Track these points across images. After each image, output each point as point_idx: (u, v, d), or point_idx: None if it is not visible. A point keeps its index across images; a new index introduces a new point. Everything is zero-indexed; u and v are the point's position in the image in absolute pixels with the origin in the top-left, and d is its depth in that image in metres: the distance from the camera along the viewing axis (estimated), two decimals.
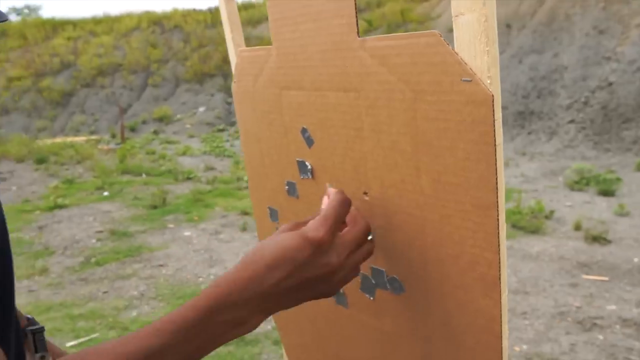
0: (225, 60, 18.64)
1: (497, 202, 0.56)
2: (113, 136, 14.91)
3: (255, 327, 0.60)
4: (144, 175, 9.16)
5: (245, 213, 6.28)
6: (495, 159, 0.54)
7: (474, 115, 0.54)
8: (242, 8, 24.28)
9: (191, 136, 14.11)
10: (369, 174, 0.70)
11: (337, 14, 0.67)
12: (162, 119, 15.96)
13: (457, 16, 0.54)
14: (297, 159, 0.82)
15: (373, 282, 0.74)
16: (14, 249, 4.37)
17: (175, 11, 24.93)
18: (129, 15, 24.99)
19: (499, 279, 0.58)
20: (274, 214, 0.95)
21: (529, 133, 11.37)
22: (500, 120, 0.54)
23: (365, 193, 0.72)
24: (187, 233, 5.70)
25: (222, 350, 3.26)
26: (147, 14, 24.94)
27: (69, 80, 18.65)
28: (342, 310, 0.82)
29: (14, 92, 18.26)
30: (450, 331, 0.67)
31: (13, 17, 28.53)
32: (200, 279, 4.41)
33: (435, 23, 15.71)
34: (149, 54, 19.80)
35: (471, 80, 0.53)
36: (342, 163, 0.73)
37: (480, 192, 0.57)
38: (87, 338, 3.51)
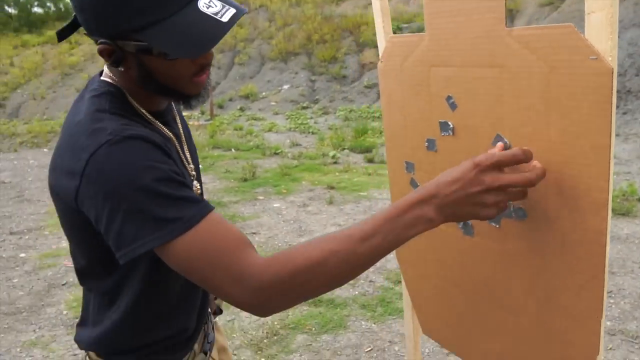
0: (310, 39, 18.86)
1: (610, 143, 0.75)
2: (202, 113, 15.56)
3: (437, 226, 0.83)
4: (233, 150, 9.60)
5: (332, 187, 6.49)
6: (611, 113, 0.74)
7: (598, 82, 0.74)
8: None
9: (276, 113, 14.48)
10: (505, 130, 0.90)
11: (489, 10, 0.87)
12: (248, 97, 16.45)
13: (589, 13, 0.73)
14: (440, 120, 1.00)
15: (511, 211, 0.92)
16: None
17: None
18: None
19: (607, 200, 0.78)
20: (410, 167, 1.14)
21: (624, 113, 10.81)
22: (616, 88, 0.74)
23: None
24: (276, 205, 5.99)
25: (314, 310, 3.50)
26: None
27: None
28: (468, 240, 0.99)
29: None
30: (564, 246, 0.86)
31: None
32: (291, 246, 4.67)
33: None
34: (236, 33, 20.34)
35: (597, 58, 0.73)
36: (482, 122, 0.93)
37: (598, 136, 0.77)
38: None
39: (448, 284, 1.08)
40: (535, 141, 0.85)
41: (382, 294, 3.71)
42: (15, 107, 18.36)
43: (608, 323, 3.19)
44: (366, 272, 3.98)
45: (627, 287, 3.63)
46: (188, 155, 1.10)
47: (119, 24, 0.86)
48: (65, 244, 5.17)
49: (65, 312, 3.70)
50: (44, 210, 6.50)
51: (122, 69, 0.93)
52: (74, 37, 22.72)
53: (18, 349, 3.24)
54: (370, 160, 8.16)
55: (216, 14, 0.88)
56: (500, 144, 0.89)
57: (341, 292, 3.76)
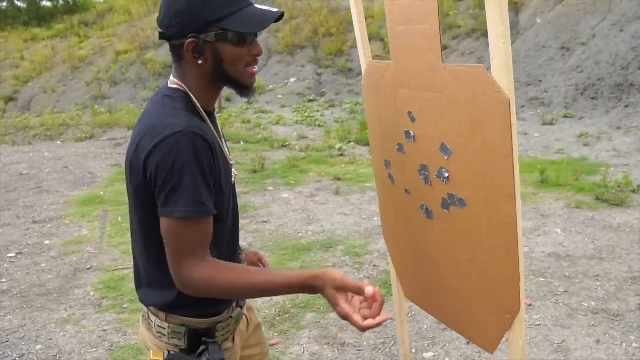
0: (316, 32, 19.07)
1: (512, 153, 1.03)
2: None
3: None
4: (242, 143, 9.88)
5: (338, 179, 6.78)
6: (511, 131, 1.02)
7: (501, 109, 1.02)
8: None
9: (283, 106, 14.74)
10: (447, 139, 1.20)
11: (430, 49, 1.16)
12: (256, 90, 16.71)
13: (492, 59, 1.00)
14: (405, 129, 1.28)
15: (448, 201, 1.20)
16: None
17: None
18: None
19: (514, 194, 1.05)
20: (387, 164, 1.42)
21: (626, 106, 11.01)
22: (514, 112, 1.01)
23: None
24: (285, 195, 6.28)
25: None
26: None
27: (169, 54, 19.77)
28: (430, 222, 1.29)
29: (122, 65, 19.68)
30: (490, 227, 1.15)
31: None
32: (300, 234, 4.97)
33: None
34: None
35: (499, 91, 1.00)
36: (432, 133, 1.23)
37: (505, 148, 1.05)
38: None
39: (419, 256, 1.38)
40: (467, 149, 1.14)
41: (385, 277, 3.99)
42: (26, 101, 18.70)
43: (592, 303, 3.46)
44: (371, 256, 4.27)
45: (614, 272, 3.90)
46: (226, 148, 1.40)
47: (205, 17, 1.22)
48: (85, 232, 5.49)
49: (92, 294, 4.01)
50: (63, 201, 6.81)
51: (200, 62, 1.26)
52: (82, 30, 22.92)
53: (52, 325, 3.55)
54: None
55: (267, 9, 1.28)
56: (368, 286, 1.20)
57: (349, 275, 4.04)
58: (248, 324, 1.59)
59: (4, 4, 25.29)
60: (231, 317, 1.45)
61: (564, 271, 3.95)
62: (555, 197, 5.73)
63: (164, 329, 1.37)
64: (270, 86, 16.85)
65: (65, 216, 6.12)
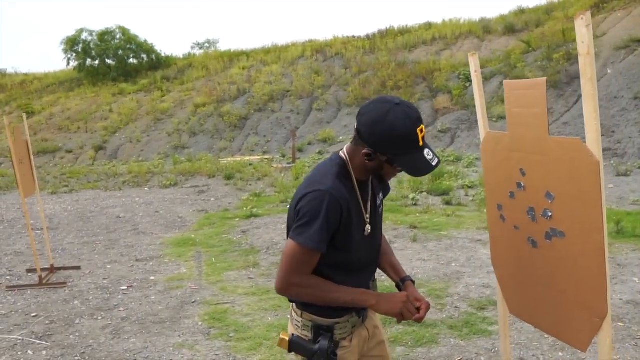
0: (384, 85, 19.71)
1: (601, 205, 1.40)
2: (283, 156, 16.63)
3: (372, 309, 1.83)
4: None
5: (414, 227, 7.11)
6: (600, 186, 1.40)
7: (592, 169, 1.42)
8: (399, 33, 25.34)
9: None
10: (551, 189, 1.58)
11: (539, 125, 1.55)
12: (326, 141, 17.40)
13: (587, 133, 1.41)
14: (516, 181, 1.67)
15: (551, 234, 1.57)
16: (228, 247, 5.86)
17: (336, 39, 26.71)
18: (294, 45, 27.27)
19: (603, 229, 1.44)
20: (499, 207, 1.82)
21: None
22: (603, 172, 1.37)
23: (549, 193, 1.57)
24: None
25: (408, 329, 4.10)
26: (311, 43, 27.00)
27: (245, 106, 20.97)
28: (535, 250, 1.66)
29: (200, 117, 20.97)
30: (584, 254, 1.53)
31: (197, 51, 32.25)
32: (383, 277, 5.28)
33: (600, 41, 15.37)
34: (313, 80, 21.59)
35: (592, 156, 1.38)
36: (539, 184, 1.62)
37: (595, 198, 1.43)
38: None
39: (524, 278, 1.76)
40: (566, 195, 1.54)
41: (467, 318, 4.27)
42: (114, 149, 20.18)
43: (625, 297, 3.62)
44: (451, 298, 4.57)
45: None
46: (365, 207, 1.86)
47: (386, 149, 1.68)
48: (184, 270, 6.05)
49: (200, 324, 4.49)
50: (159, 242, 7.46)
51: (367, 162, 1.73)
52: (164, 85, 24.50)
53: (171, 349, 4.04)
54: (448, 203, 8.72)
55: (430, 159, 1.70)
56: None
57: (430, 315, 4.35)
58: (369, 336, 1.98)
59: (96, 62, 27.55)
60: (348, 321, 1.88)
61: None
62: (632, 247, 5.83)
63: (299, 322, 1.86)
64: (341, 137, 17.49)
65: (163, 255, 6.73)
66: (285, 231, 1.86)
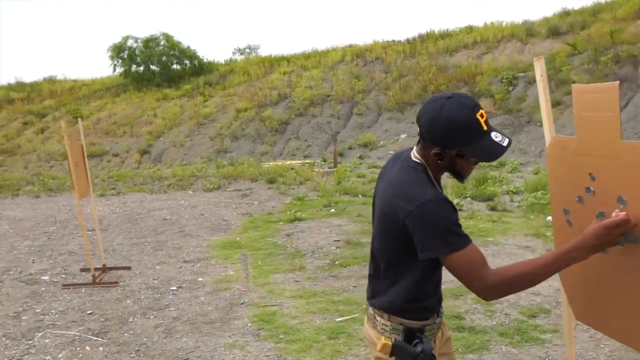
0: (425, 89, 19.58)
1: None
2: (324, 160, 16.69)
3: (582, 260, 1.57)
4: (360, 196, 10.41)
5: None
6: None
7: None
8: (440, 37, 25.12)
9: None
10: (623, 193, 1.56)
11: (611, 129, 1.55)
12: (367, 145, 17.40)
13: None
14: (585, 186, 1.66)
15: (622, 239, 1.54)
16: (274, 250, 5.94)
17: (376, 43, 26.66)
18: (334, 50, 27.34)
19: None
20: (566, 212, 1.80)
21: None
22: None
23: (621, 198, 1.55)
24: None
25: (458, 335, 4.08)
26: (351, 48, 27.02)
27: (286, 110, 21.14)
28: (604, 256, 1.65)
29: (242, 121, 21.25)
30: None
31: (238, 57, 32.71)
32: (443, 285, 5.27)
33: None
34: (354, 84, 21.61)
35: None
36: (609, 188, 1.61)
37: None
38: (350, 316, 4.58)
39: (592, 284, 1.73)
40: (637, 199, 1.50)
41: (518, 325, 4.21)
42: (158, 153, 20.64)
43: None
44: (501, 305, 4.51)
45: None
46: None
47: (452, 143, 1.69)
48: (231, 272, 6.15)
49: (249, 325, 4.56)
50: (205, 244, 7.61)
51: (441, 161, 1.74)
52: (207, 90, 24.93)
53: (222, 349, 4.12)
54: (493, 208, 8.60)
55: (500, 141, 1.69)
56: (619, 212, 1.54)
57: (480, 321, 4.31)
58: (442, 334, 2.00)
59: (141, 68, 28.25)
60: (435, 322, 1.89)
61: None
62: None
63: (387, 325, 1.86)
64: (381, 142, 17.47)
65: (210, 257, 6.86)
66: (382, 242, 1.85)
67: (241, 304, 5.08)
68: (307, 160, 17.01)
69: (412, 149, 1.86)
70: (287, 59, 27.48)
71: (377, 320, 1.89)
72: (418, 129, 1.76)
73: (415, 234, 1.67)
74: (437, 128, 1.68)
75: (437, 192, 1.71)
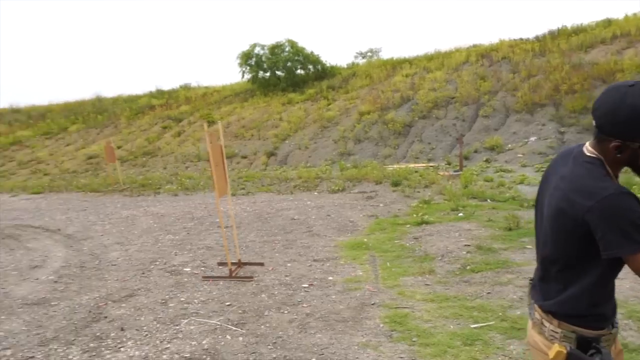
0: (557, 90, 18.48)
1: None
2: (448, 163, 16.30)
3: None
4: (488, 201, 10.04)
5: None
6: None
7: None
8: (573, 32, 23.57)
9: (524, 165, 14.51)
10: None
11: None
12: (493, 148, 16.73)
13: None
14: None
15: None
16: (402, 252, 5.84)
17: (502, 42, 25.61)
18: (458, 50, 26.67)
19: None
20: None
21: None
22: None
23: None
24: None
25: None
26: (475, 48, 26.21)
27: (409, 113, 20.96)
28: None
29: (364, 124, 21.38)
30: None
31: (360, 61, 32.99)
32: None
33: None
34: (479, 86, 20.91)
35: None
36: None
37: None
38: (485, 324, 4.43)
39: None
40: None
41: None
42: (284, 156, 21.36)
43: None
44: None
45: None
46: None
47: (636, 134, 1.58)
48: (360, 272, 6.20)
49: (381, 325, 4.57)
50: (333, 244, 7.74)
51: (620, 155, 1.63)
52: (330, 94, 25.40)
53: (355, 347, 4.17)
54: None
55: None
56: None
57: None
58: (615, 347, 1.87)
59: (267, 74, 29.45)
60: (611, 333, 1.77)
61: None
62: None
63: (557, 333, 1.76)
64: (509, 145, 16.73)
65: (339, 257, 6.97)
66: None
67: (372, 304, 5.11)
68: (431, 164, 16.72)
69: (582, 145, 1.76)
70: (409, 61, 27.27)
71: (545, 327, 1.80)
72: (594, 121, 1.66)
73: (597, 232, 1.57)
74: (621, 118, 1.57)
75: (618, 185, 1.60)
